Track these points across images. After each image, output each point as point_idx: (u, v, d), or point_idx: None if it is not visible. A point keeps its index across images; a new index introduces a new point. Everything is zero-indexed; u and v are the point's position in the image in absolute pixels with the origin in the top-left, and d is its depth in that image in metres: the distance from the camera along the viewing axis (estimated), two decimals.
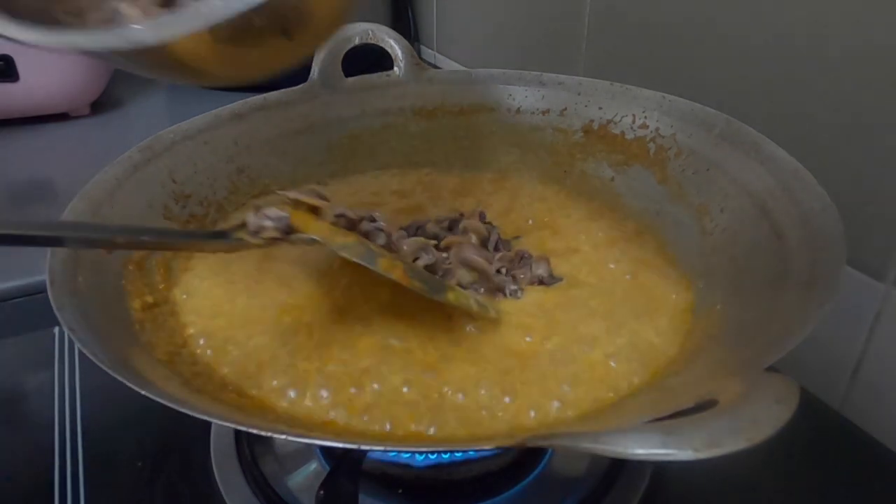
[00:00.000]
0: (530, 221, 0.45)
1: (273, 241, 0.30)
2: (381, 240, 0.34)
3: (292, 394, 0.31)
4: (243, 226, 0.31)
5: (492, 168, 0.51)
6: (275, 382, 0.31)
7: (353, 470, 0.32)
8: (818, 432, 0.41)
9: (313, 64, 0.51)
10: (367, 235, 0.34)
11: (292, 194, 0.32)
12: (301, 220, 0.31)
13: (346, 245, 0.30)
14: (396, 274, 0.30)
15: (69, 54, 0.27)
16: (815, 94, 0.45)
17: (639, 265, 0.39)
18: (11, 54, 0.76)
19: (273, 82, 0.52)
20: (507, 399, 0.30)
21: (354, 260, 0.30)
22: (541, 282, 0.38)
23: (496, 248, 0.40)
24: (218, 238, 0.31)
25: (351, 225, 0.33)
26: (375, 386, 0.31)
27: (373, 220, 0.34)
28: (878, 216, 0.42)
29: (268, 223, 0.30)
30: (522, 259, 0.39)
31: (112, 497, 0.37)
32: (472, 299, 0.33)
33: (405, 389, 0.30)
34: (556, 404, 0.30)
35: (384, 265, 0.30)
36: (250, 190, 0.47)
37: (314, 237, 0.30)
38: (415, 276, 0.31)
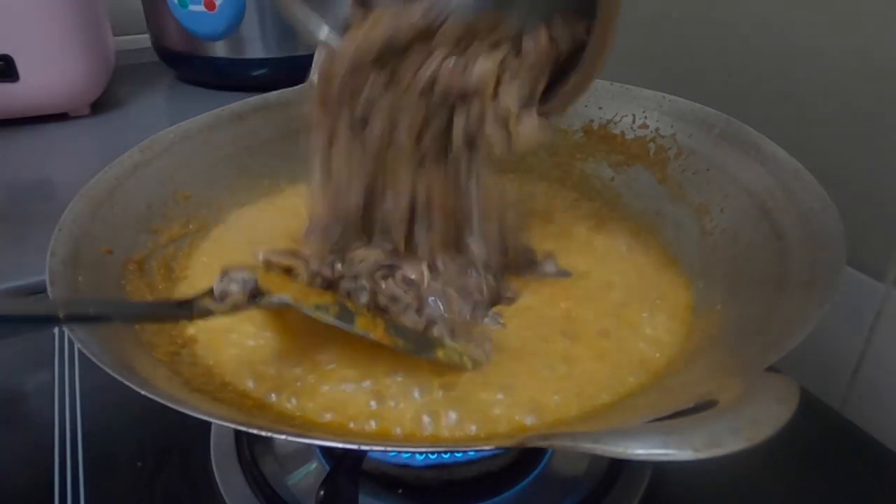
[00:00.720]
0: (529, 221, 0.45)
1: (239, 308, 0.29)
2: (364, 298, 0.32)
3: (293, 396, 0.31)
4: (211, 292, 0.29)
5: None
6: (274, 383, 0.31)
7: (353, 470, 0.32)
8: (818, 432, 0.41)
9: (313, 64, 0.51)
10: (348, 294, 0.32)
11: (263, 255, 0.31)
12: (271, 281, 0.29)
13: (320, 306, 0.29)
14: (376, 334, 0.29)
15: None
16: (815, 95, 0.45)
17: (638, 265, 0.39)
18: (11, 54, 0.76)
19: (273, 83, 0.52)
20: (503, 398, 0.30)
21: (329, 323, 0.29)
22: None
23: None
24: (181, 308, 0.29)
25: (328, 284, 0.31)
26: (381, 389, 0.31)
27: (355, 277, 0.32)
28: (878, 216, 0.42)
29: (233, 287, 0.28)
30: (529, 260, 0.39)
31: (112, 497, 0.37)
32: (464, 356, 0.31)
33: (413, 394, 0.30)
34: (555, 403, 0.30)
35: (362, 325, 0.29)
36: (250, 190, 0.47)
37: (285, 300, 0.29)
38: (398, 334, 0.30)
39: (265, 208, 0.46)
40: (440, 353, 0.30)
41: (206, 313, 0.29)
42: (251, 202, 0.47)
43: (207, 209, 0.44)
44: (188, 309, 0.29)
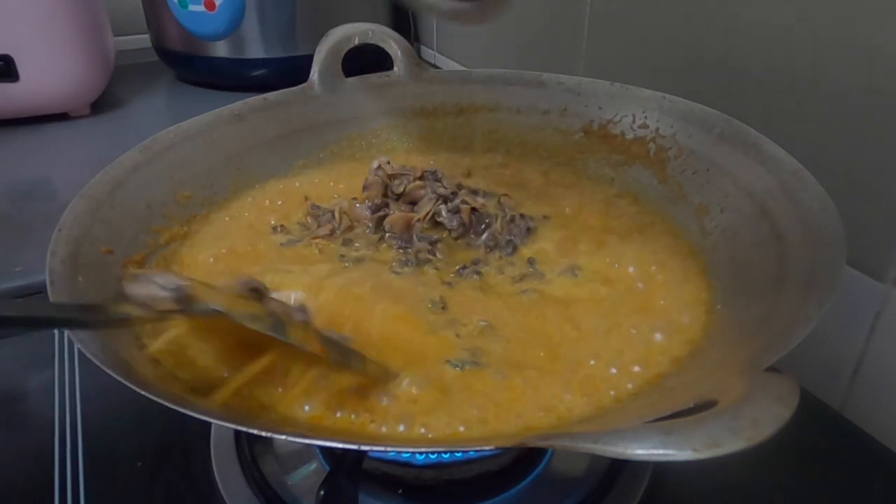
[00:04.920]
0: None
1: (167, 314, 0.26)
2: (300, 317, 0.30)
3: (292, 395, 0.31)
4: (122, 298, 0.26)
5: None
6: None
7: (353, 470, 0.32)
8: (818, 432, 0.41)
9: (313, 64, 0.51)
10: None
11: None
12: (199, 289, 0.27)
13: (255, 315, 0.27)
14: (312, 346, 0.28)
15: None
16: (814, 95, 0.45)
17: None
18: (12, 54, 0.76)
19: (273, 83, 0.53)
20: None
21: (264, 331, 0.27)
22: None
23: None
24: (91, 313, 0.26)
25: (259, 297, 0.29)
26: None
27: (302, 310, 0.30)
28: (878, 216, 0.42)
29: (161, 293, 0.25)
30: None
31: (112, 497, 0.37)
32: (388, 372, 0.30)
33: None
34: (558, 405, 0.30)
35: (296, 337, 0.28)
36: (250, 191, 0.47)
37: (217, 308, 0.26)
38: (331, 347, 0.29)
39: (265, 208, 0.46)
40: (369, 367, 0.30)
41: (126, 322, 0.26)
42: (251, 202, 0.47)
43: (207, 209, 0.44)
44: (99, 314, 0.26)
